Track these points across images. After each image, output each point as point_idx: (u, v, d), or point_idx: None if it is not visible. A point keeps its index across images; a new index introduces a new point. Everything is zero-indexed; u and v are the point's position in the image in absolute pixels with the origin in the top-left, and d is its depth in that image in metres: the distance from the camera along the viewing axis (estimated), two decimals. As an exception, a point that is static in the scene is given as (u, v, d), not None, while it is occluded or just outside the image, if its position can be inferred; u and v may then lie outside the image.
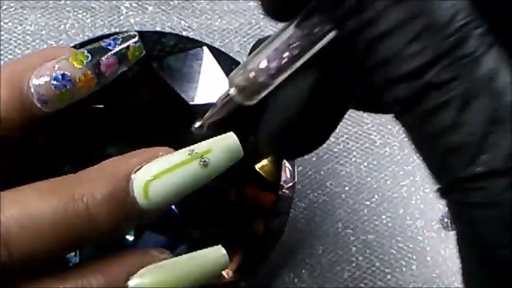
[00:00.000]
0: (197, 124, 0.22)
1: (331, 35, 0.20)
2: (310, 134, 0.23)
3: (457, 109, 0.17)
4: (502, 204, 0.17)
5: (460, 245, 0.19)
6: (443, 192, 0.18)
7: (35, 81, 0.24)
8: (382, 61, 0.18)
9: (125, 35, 0.25)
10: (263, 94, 0.21)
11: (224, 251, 0.23)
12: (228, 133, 0.24)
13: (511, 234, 0.17)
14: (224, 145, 0.23)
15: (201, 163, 0.23)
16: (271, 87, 0.21)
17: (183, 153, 0.23)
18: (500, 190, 0.16)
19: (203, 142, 0.23)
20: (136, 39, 0.25)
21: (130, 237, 0.32)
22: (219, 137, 0.23)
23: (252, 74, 0.21)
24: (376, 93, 0.18)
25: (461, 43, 0.17)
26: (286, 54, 0.20)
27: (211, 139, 0.23)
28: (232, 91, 0.21)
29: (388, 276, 0.37)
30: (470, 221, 0.17)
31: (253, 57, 0.21)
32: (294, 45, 0.20)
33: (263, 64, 0.21)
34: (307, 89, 0.22)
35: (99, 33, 0.39)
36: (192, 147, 0.23)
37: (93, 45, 0.25)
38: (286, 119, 0.22)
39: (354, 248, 0.37)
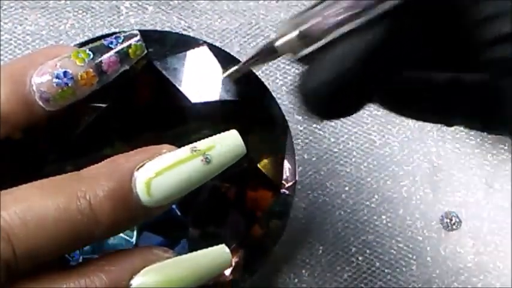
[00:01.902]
0: (230, 71, 0.21)
1: None
2: (354, 94, 0.21)
3: None
4: None
5: None
6: None
7: (37, 79, 0.24)
8: (489, 17, 0.16)
9: (127, 33, 0.25)
10: (314, 47, 0.20)
11: (227, 249, 0.23)
12: (230, 130, 0.24)
13: None
14: (227, 142, 0.23)
15: (204, 160, 0.23)
16: (324, 41, 0.20)
17: (185, 150, 0.23)
18: None
19: (206, 139, 0.23)
20: (138, 37, 0.25)
21: (131, 239, 0.32)
22: (221, 134, 0.23)
23: (315, 20, 0.20)
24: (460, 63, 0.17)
25: None
26: (346, 12, 0.19)
27: (213, 136, 0.23)
28: (293, 35, 0.20)
29: (388, 276, 0.37)
30: None
31: (304, 12, 0.20)
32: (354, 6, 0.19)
33: (322, 15, 0.20)
34: (364, 46, 0.20)
35: (99, 33, 0.39)
36: (194, 144, 0.23)
37: (95, 44, 0.25)
38: (336, 75, 0.20)
39: (354, 248, 0.37)
